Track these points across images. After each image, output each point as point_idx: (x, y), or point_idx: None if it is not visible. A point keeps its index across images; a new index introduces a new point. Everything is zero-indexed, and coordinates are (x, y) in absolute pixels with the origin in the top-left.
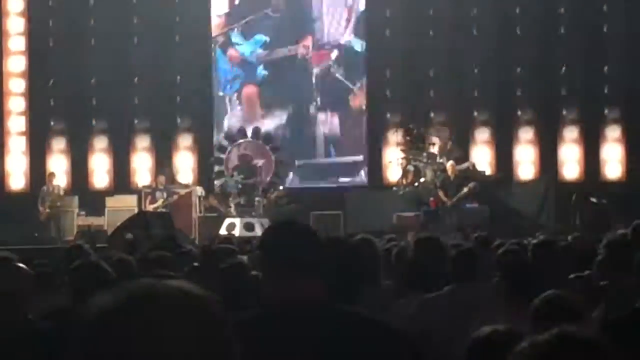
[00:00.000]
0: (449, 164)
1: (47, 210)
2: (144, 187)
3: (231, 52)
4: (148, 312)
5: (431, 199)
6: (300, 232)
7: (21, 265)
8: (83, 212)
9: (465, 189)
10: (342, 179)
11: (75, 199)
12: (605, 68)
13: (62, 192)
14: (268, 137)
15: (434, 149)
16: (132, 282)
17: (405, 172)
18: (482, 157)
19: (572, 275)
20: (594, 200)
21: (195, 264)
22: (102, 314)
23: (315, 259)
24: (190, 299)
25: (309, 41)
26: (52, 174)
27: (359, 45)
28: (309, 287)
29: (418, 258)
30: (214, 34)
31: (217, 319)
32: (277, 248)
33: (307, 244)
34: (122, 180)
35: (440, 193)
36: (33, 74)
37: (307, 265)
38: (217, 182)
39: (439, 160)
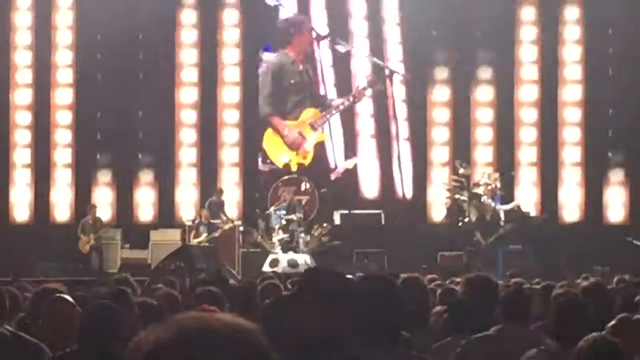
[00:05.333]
0: (484, 204)
1: (92, 242)
2: (188, 221)
3: None
4: (201, 346)
5: (475, 239)
6: (330, 279)
7: (66, 296)
8: (127, 245)
9: (502, 231)
10: None
11: (119, 231)
12: None
13: (103, 225)
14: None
15: (479, 189)
16: (184, 316)
17: (449, 212)
18: (527, 198)
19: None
20: (634, 242)
21: (240, 299)
22: (157, 347)
23: (340, 303)
24: (240, 332)
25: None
26: (94, 206)
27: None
28: (335, 326)
29: (466, 298)
30: None
31: (266, 352)
32: (308, 292)
33: (336, 290)
34: (166, 214)
35: (477, 234)
36: (80, 107)
37: (333, 307)
38: (261, 218)
39: (483, 200)
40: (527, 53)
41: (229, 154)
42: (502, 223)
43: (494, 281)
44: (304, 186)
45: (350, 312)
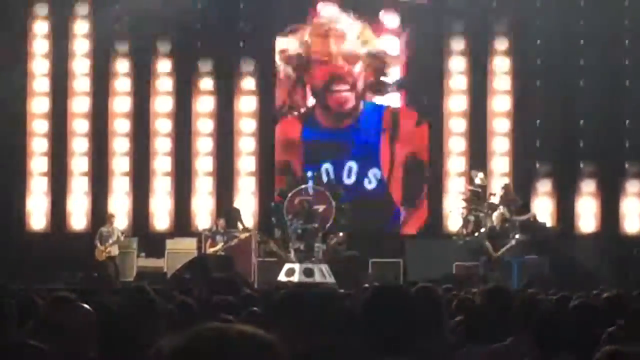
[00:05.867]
0: (496, 215)
1: (109, 250)
2: (204, 230)
3: None
4: (219, 355)
5: (485, 249)
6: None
7: (84, 305)
8: (143, 254)
9: (513, 242)
10: None
11: (136, 240)
12: None
13: (121, 235)
14: (330, 183)
15: (495, 199)
16: (203, 325)
17: (465, 222)
18: (543, 208)
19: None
20: None
21: (255, 308)
22: (175, 356)
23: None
24: (259, 343)
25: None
26: (112, 215)
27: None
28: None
29: (484, 309)
30: None
31: None
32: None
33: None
34: (182, 222)
35: (488, 245)
36: (97, 115)
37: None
38: (277, 227)
39: (499, 210)
40: (547, 61)
41: (246, 163)
42: (516, 234)
43: (511, 292)
44: (321, 195)
45: (332, 331)
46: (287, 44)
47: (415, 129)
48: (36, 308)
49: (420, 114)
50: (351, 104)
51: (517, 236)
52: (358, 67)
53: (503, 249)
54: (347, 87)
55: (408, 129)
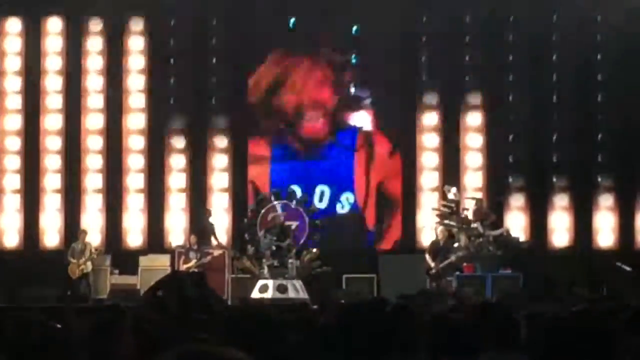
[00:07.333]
0: (440, 230)
1: (82, 267)
2: (178, 246)
3: None
4: None
5: (464, 264)
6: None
7: (54, 324)
8: (116, 271)
9: (453, 257)
10: None
11: (109, 257)
12: None
13: (93, 250)
14: (303, 199)
15: (469, 214)
16: (180, 348)
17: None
18: (516, 223)
19: None
20: (623, 266)
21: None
22: None
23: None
24: None
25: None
26: (83, 232)
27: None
28: None
29: (460, 323)
30: None
31: None
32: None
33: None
34: (156, 239)
35: (428, 258)
36: (69, 131)
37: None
38: (250, 244)
39: (473, 225)
40: (519, 75)
41: (219, 180)
42: (459, 252)
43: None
44: (294, 211)
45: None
46: (259, 73)
47: (388, 152)
48: (5, 328)
49: (391, 134)
50: (323, 131)
51: (458, 253)
52: (327, 90)
53: (442, 264)
54: (318, 113)
55: (381, 151)
